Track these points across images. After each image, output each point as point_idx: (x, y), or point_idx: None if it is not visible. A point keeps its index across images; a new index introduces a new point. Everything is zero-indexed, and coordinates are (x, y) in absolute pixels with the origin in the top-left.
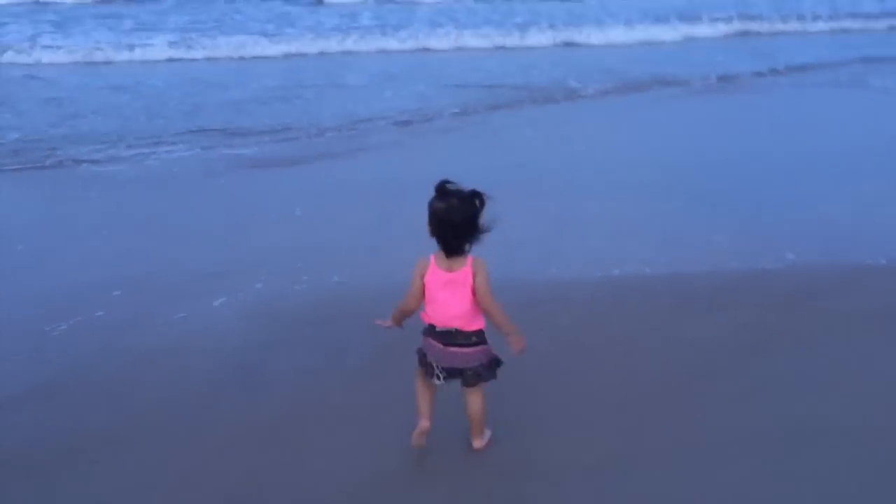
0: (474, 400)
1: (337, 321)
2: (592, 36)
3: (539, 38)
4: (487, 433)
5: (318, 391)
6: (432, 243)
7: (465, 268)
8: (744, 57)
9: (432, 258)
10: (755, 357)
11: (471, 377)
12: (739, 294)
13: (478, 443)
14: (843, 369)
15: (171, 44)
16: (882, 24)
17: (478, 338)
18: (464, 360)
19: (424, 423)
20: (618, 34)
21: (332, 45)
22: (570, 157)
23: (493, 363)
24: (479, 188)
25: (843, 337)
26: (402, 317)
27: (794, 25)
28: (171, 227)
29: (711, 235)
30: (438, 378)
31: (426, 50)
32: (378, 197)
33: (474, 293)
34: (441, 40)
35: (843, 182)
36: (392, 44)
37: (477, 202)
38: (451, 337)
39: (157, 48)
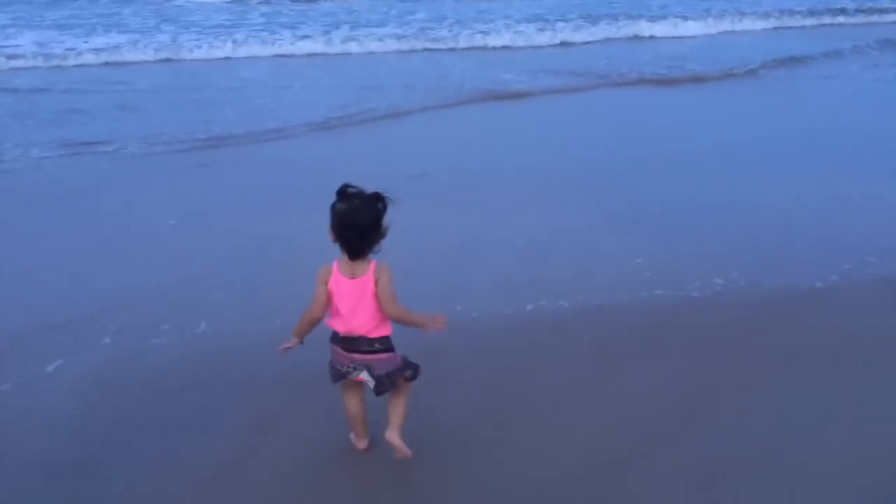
0: (398, 394)
1: (204, 387)
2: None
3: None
4: (405, 448)
5: (180, 493)
6: (327, 256)
7: (367, 274)
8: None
9: (335, 264)
10: (699, 416)
11: (385, 381)
12: (671, 330)
13: (392, 435)
14: (807, 427)
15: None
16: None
17: (381, 345)
18: (369, 365)
19: (362, 444)
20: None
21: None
22: (472, 166)
23: (407, 365)
24: (380, 191)
25: (797, 384)
26: (307, 328)
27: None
28: None
29: (631, 258)
30: (358, 372)
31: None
32: (259, 215)
33: (377, 299)
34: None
35: (764, 192)
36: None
37: (380, 205)
38: (353, 343)
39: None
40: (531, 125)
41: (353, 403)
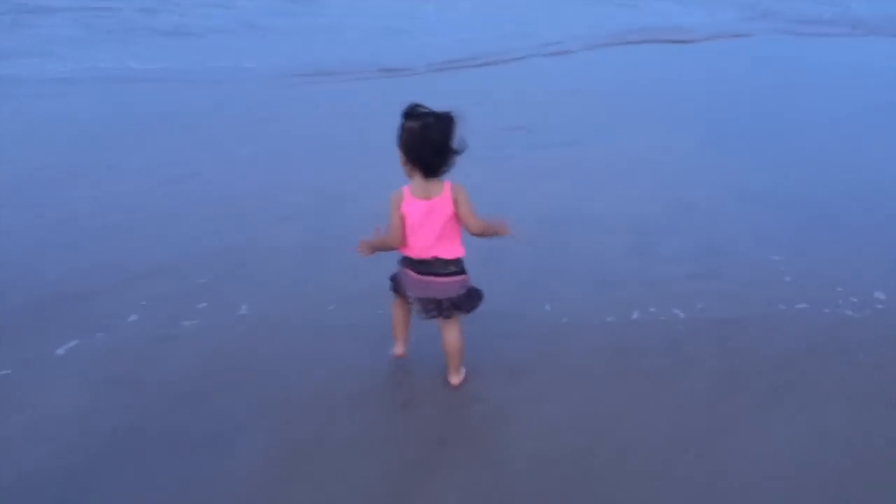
0: (451, 333)
1: (229, 397)
2: None
3: None
4: (463, 370)
5: None
6: None
7: (444, 194)
8: None
9: (405, 189)
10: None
11: (447, 308)
12: (821, 363)
13: (455, 378)
14: None
15: None
16: None
17: (456, 267)
18: (441, 289)
19: (399, 350)
20: None
21: None
22: (577, 119)
23: (472, 294)
24: (449, 110)
25: None
26: (383, 249)
27: None
28: None
29: (767, 253)
30: (414, 308)
31: None
32: (338, 162)
33: (457, 219)
34: None
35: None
36: None
37: (451, 123)
38: (428, 266)
39: None
40: (662, 72)
41: (399, 308)
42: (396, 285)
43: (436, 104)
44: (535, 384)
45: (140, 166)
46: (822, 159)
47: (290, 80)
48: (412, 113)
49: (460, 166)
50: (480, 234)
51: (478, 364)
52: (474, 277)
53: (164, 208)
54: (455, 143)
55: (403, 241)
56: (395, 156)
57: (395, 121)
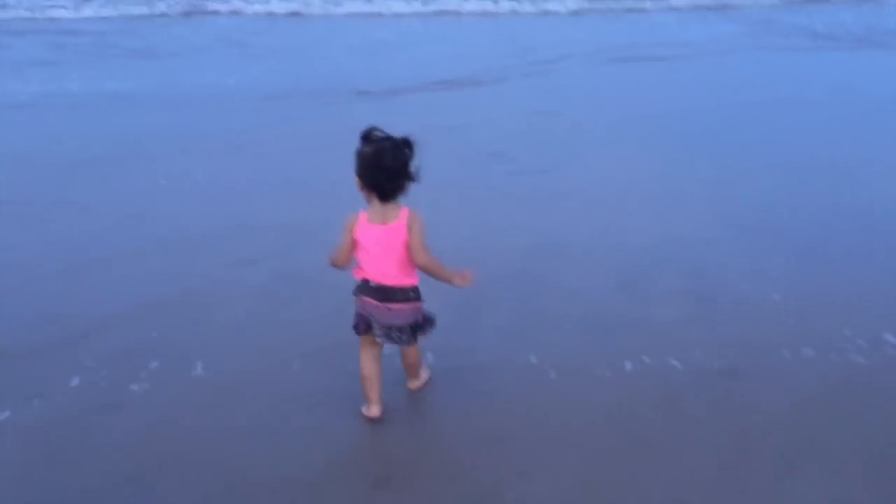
0: (408, 351)
1: (171, 485)
2: None
3: None
4: (424, 374)
5: None
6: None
7: (399, 220)
8: None
9: (362, 214)
10: None
11: (407, 338)
12: (832, 420)
13: (414, 383)
14: None
15: None
16: None
17: (414, 293)
18: (400, 316)
19: (373, 412)
20: None
21: None
22: (559, 145)
23: (428, 320)
24: (407, 135)
25: None
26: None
27: None
28: None
29: (767, 291)
30: (378, 335)
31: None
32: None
33: (408, 248)
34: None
35: None
36: None
37: (407, 150)
38: (387, 293)
39: None
40: (649, 90)
41: (368, 362)
42: (358, 323)
43: (408, 127)
44: (522, 455)
45: (96, 201)
46: (815, 185)
47: (260, 103)
48: (368, 137)
49: (436, 194)
50: (425, 270)
51: (460, 430)
52: (451, 323)
53: (119, 249)
54: (412, 169)
55: (346, 264)
56: None
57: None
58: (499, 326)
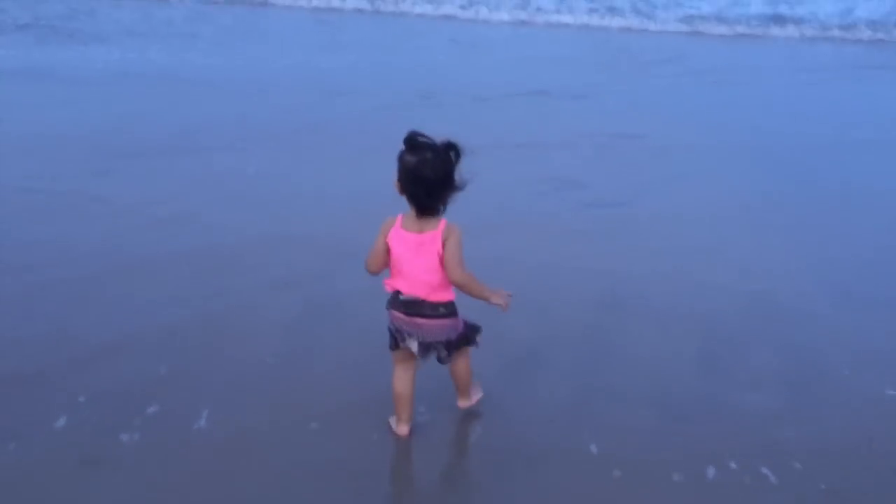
0: (458, 360)
1: None
2: None
3: None
4: (477, 392)
5: None
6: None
7: (435, 231)
8: None
9: (399, 218)
10: None
11: (443, 356)
12: None
13: (463, 402)
14: None
15: None
16: None
17: (446, 309)
18: (431, 333)
19: (403, 430)
20: None
21: None
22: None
23: (470, 331)
24: (453, 139)
25: None
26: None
27: None
28: None
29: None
30: (410, 346)
31: None
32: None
33: (442, 261)
34: None
35: None
36: None
37: (452, 154)
38: (416, 306)
39: None
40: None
41: (402, 380)
42: (392, 338)
43: (476, 139)
44: None
45: (130, 198)
46: None
47: (335, 98)
48: (411, 143)
49: (494, 223)
50: (459, 287)
51: None
52: (499, 390)
53: (142, 257)
54: (456, 178)
55: (379, 269)
56: None
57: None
58: (556, 400)
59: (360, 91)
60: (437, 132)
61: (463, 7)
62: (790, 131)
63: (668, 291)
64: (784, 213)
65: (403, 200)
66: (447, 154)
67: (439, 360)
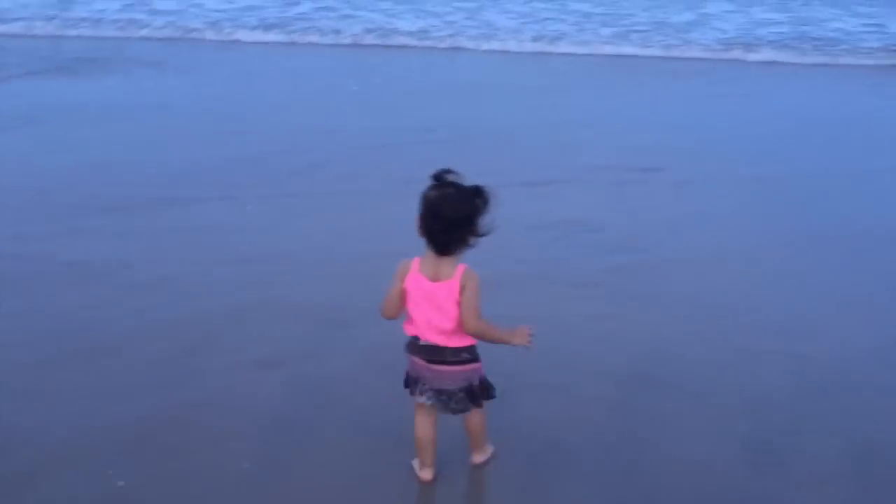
0: (473, 413)
1: None
2: None
3: None
4: (489, 448)
5: None
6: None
7: (452, 278)
8: None
9: (416, 261)
10: None
11: (462, 405)
12: None
13: (477, 458)
14: None
15: None
16: None
17: (469, 354)
18: (453, 379)
19: (426, 475)
20: None
21: None
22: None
23: (484, 385)
24: (482, 185)
25: None
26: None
27: None
28: None
29: None
30: (423, 396)
31: None
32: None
33: (459, 309)
34: None
35: None
36: None
37: (478, 200)
38: (437, 353)
39: None
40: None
41: (423, 425)
42: (408, 382)
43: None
44: None
45: (104, 263)
46: None
47: (317, 134)
48: (438, 179)
49: (502, 277)
50: (477, 337)
51: None
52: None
53: (109, 337)
54: (479, 224)
55: (396, 315)
56: None
57: None
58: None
59: (358, 127)
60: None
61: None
62: (826, 163)
63: (704, 360)
64: (821, 256)
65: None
66: (471, 196)
67: (453, 411)
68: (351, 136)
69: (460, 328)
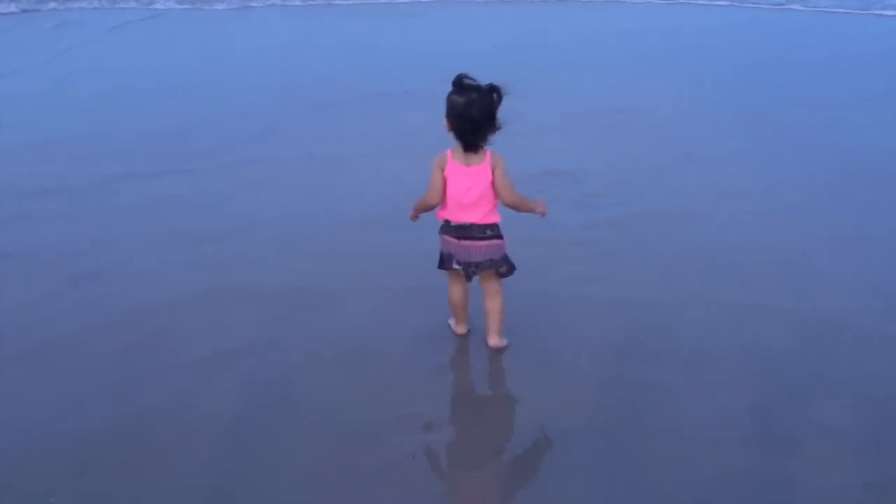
0: (493, 299)
1: None
2: None
3: None
4: (505, 339)
5: None
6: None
7: (483, 163)
8: None
9: (449, 153)
10: None
11: (486, 266)
12: None
13: (493, 340)
14: None
15: None
16: None
17: (493, 231)
18: (478, 252)
19: (462, 329)
20: None
21: None
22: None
23: (508, 261)
24: (496, 83)
25: None
26: (423, 210)
27: None
28: None
29: None
30: (455, 267)
31: None
32: None
33: (493, 187)
34: None
35: None
36: None
37: (495, 96)
38: (465, 231)
39: None
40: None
41: (456, 290)
42: (442, 260)
43: None
44: None
45: (46, 253)
46: None
47: (278, 94)
48: (459, 85)
49: None
50: (512, 206)
51: None
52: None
53: (50, 339)
54: (497, 118)
55: (442, 201)
56: None
57: None
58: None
59: (318, 85)
60: (411, 123)
61: None
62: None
63: (698, 322)
64: (820, 198)
65: (377, 227)
66: (490, 95)
67: (481, 272)
68: (310, 93)
69: (490, 208)
